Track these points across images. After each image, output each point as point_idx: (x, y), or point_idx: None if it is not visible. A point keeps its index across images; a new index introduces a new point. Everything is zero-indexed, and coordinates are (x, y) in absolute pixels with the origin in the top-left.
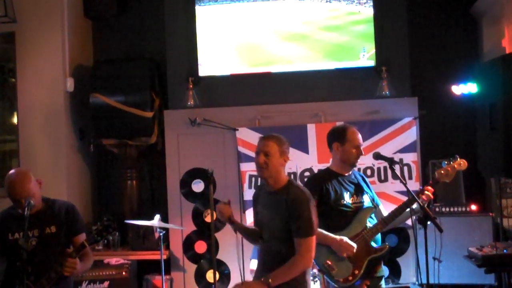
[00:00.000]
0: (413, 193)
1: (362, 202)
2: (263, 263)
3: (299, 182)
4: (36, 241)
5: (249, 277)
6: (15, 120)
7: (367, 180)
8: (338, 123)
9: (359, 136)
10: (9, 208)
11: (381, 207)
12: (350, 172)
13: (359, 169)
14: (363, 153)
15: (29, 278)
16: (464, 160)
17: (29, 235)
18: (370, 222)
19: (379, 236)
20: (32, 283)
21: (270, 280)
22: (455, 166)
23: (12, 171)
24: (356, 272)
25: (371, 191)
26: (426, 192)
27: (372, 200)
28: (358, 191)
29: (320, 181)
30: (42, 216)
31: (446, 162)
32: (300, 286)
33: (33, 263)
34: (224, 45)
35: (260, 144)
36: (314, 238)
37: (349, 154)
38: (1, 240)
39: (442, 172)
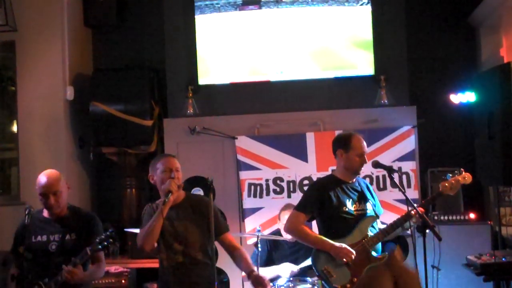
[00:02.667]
0: (412, 202)
1: (365, 210)
2: (181, 271)
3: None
4: (56, 246)
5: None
6: (15, 128)
7: (372, 188)
8: (337, 132)
9: (364, 144)
10: (37, 211)
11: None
12: (354, 180)
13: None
14: (367, 161)
15: (43, 281)
16: (468, 174)
17: (32, 242)
18: (371, 231)
19: (379, 245)
20: (45, 285)
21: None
22: (460, 179)
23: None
24: (355, 280)
25: (374, 199)
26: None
27: (374, 209)
28: (361, 198)
29: (322, 187)
30: (65, 222)
31: (450, 175)
32: None
33: (50, 266)
34: (223, 54)
35: (170, 161)
36: None
37: (353, 162)
38: (26, 240)
39: (446, 185)
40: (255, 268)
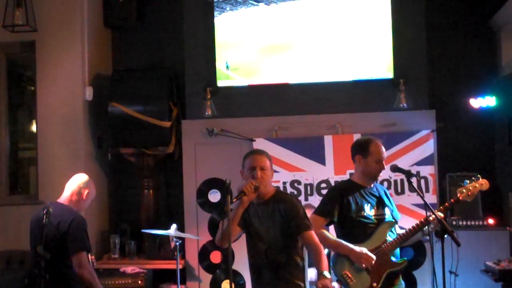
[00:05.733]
0: (430, 207)
1: (383, 215)
2: (261, 272)
3: None
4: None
5: None
6: (34, 128)
7: (389, 193)
8: (355, 135)
9: (383, 149)
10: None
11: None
12: (372, 185)
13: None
14: (385, 167)
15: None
16: (485, 180)
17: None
18: (390, 236)
19: (397, 250)
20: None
21: (326, 274)
22: (477, 186)
23: None
24: (374, 285)
25: (392, 205)
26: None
27: (391, 214)
28: (380, 204)
29: (341, 192)
30: None
31: (468, 181)
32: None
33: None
34: (243, 54)
35: (255, 159)
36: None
37: (371, 168)
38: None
39: (464, 191)
40: (326, 271)
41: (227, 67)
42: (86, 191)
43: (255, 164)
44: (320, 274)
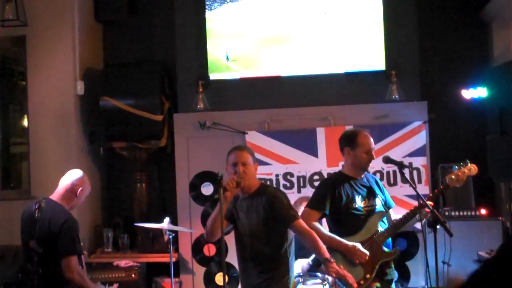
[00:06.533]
0: (423, 197)
1: (374, 206)
2: (247, 264)
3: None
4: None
5: None
6: (25, 123)
7: (380, 182)
8: (348, 127)
9: (371, 140)
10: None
11: (390, 210)
12: (362, 176)
13: (368, 172)
14: (374, 157)
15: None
16: (474, 165)
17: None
18: (382, 226)
19: (389, 239)
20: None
21: (330, 258)
22: (466, 171)
23: None
24: (368, 276)
25: (383, 193)
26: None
27: (384, 202)
28: (370, 194)
29: (332, 184)
30: None
31: (456, 167)
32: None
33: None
34: (234, 48)
35: (237, 155)
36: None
37: (360, 159)
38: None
39: (453, 177)
40: (329, 256)
41: (227, 58)
42: (80, 189)
43: (237, 160)
44: (325, 261)
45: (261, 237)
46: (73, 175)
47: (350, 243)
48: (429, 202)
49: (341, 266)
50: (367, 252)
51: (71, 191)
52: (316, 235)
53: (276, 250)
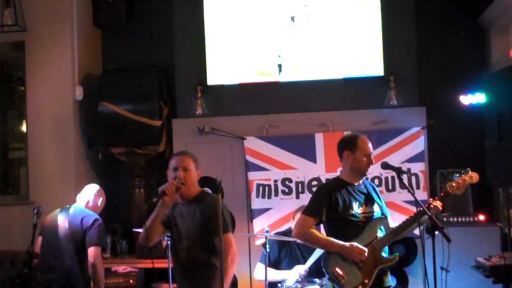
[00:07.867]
0: (421, 203)
1: (372, 212)
2: (182, 271)
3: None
4: None
5: (258, 285)
6: (24, 128)
7: (378, 190)
8: (346, 133)
9: (370, 145)
10: None
11: (389, 218)
12: (360, 182)
13: (366, 179)
14: (373, 161)
15: None
16: (475, 173)
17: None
18: (380, 233)
19: (386, 248)
20: None
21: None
22: (467, 179)
23: None
24: (366, 281)
25: (381, 201)
26: (434, 204)
27: (381, 210)
28: (368, 201)
29: (329, 190)
30: None
31: (457, 175)
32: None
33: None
34: (232, 54)
35: (178, 160)
36: (231, 234)
37: (360, 163)
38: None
39: (454, 184)
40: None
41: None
42: (101, 199)
43: (178, 164)
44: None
45: (197, 244)
46: (94, 188)
47: (347, 243)
48: (438, 203)
49: (339, 270)
50: (365, 249)
51: (94, 201)
52: (232, 260)
53: (211, 258)
